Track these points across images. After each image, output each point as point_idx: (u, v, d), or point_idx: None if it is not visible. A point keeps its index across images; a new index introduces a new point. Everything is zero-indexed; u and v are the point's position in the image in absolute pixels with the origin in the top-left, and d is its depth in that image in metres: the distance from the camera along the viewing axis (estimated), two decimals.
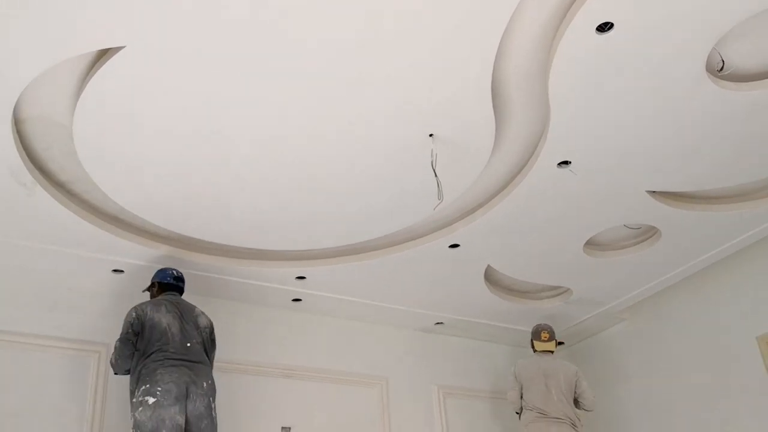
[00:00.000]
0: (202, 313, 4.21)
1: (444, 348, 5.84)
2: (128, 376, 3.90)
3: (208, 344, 4.12)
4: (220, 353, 4.58)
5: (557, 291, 5.49)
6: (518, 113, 3.50)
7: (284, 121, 3.34)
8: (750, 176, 4.09)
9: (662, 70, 3.19)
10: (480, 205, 4.23)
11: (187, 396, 3.74)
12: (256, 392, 4.77)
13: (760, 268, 4.78)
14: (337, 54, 2.96)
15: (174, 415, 3.65)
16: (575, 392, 5.00)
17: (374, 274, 4.81)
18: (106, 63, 2.90)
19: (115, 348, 3.89)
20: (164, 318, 3.96)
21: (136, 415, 3.62)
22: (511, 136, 3.66)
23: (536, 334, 5.26)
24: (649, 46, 3.05)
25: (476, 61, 3.06)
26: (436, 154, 3.58)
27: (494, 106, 3.37)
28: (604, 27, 2.91)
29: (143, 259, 4.32)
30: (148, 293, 4.32)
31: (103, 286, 4.50)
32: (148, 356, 3.82)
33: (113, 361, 3.90)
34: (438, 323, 5.69)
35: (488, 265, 4.89)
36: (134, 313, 3.96)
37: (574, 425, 4.83)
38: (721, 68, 3.32)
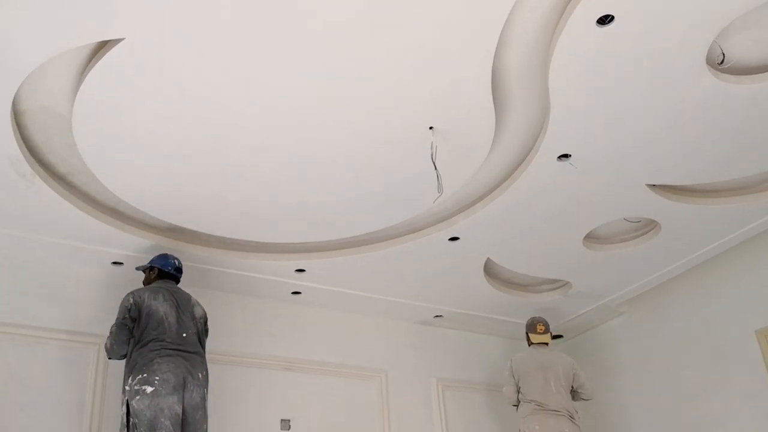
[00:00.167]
0: (198, 302, 4.21)
1: (443, 341, 5.85)
2: (122, 362, 3.90)
3: (203, 334, 4.13)
4: (220, 345, 4.62)
5: (556, 284, 5.50)
6: (518, 106, 3.50)
7: (283, 113, 3.33)
8: (750, 170, 4.09)
9: (663, 62, 3.19)
10: (480, 198, 4.23)
11: (184, 386, 3.75)
12: (255, 385, 4.78)
13: (759, 261, 4.78)
14: (335, 45, 2.96)
15: (172, 404, 3.66)
16: (574, 384, 5.02)
17: (374, 267, 4.82)
18: (106, 55, 2.90)
19: (111, 333, 3.86)
20: (161, 306, 3.95)
21: (134, 403, 3.62)
22: (511, 128, 3.65)
23: (531, 327, 5.26)
24: (649, 38, 3.04)
25: (476, 53, 3.05)
26: (436, 147, 3.58)
27: (494, 99, 3.36)
28: (605, 20, 2.90)
29: (143, 252, 4.32)
30: (143, 274, 4.29)
31: (102, 278, 4.51)
32: (145, 345, 3.81)
33: (108, 346, 3.86)
34: (437, 316, 5.70)
35: (488, 258, 4.89)
36: (131, 299, 3.94)
37: (571, 417, 4.84)
38: (722, 61, 3.32)
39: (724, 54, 3.29)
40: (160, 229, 4.27)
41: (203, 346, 4.08)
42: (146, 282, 4.22)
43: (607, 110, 3.47)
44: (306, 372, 5.03)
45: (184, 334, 3.95)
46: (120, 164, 3.61)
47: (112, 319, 3.99)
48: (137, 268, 4.28)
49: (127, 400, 3.66)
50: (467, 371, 5.82)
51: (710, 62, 3.28)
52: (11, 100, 3.10)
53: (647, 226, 4.75)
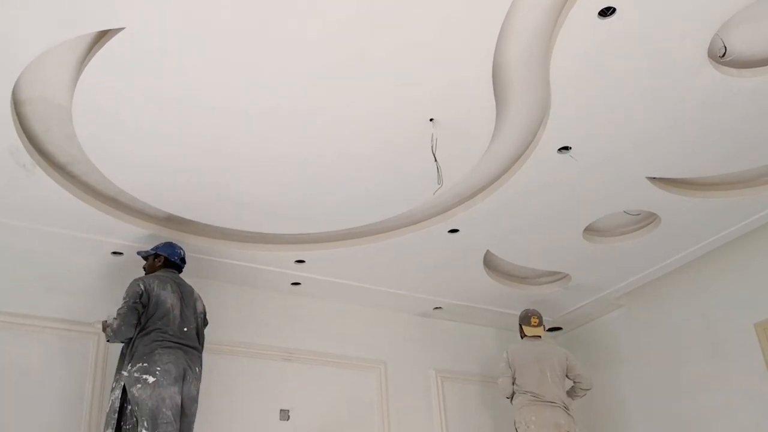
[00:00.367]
0: (199, 297, 4.23)
1: (442, 333, 5.86)
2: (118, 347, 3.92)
3: (201, 329, 4.15)
4: (220, 336, 4.66)
5: (556, 276, 5.50)
6: (519, 98, 3.49)
7: (284, 103, 3.33)
8: (750, 163, 4.09)
9: (664, 55, 3.18)
10: (480, 190, 4.23)
11: (183, 378, 3.78)
12: (255, 375, 4.79)
13: (758, 255, 4.78)
14: (337, 37, 2.95)
15: (174, 395, 3.69)
16: (570, 375, 5.04)
17: (374, 259, 4.82)
18: (106, 44, 2.89)
19: (120, 314, 3.82)
20: (169, 298, 3.97)
21: (134, 391, 3.63)
22: (512, 121, 3.65)
23: (525, 319, 5.28)
24: (651, 31, 3.04)
25: (477, 45, 3.05)
26: (437, 139, 3.58)
27: (495, 91, 3.36)
28: (607, 12, 2.90)
29: (142, 241, 4.32)
30: (143, 260, 4.28)
31: (101, 267, 4.51)
32: (148, 333, 3.82)
33: (115, 327, 3.79)
34: (437, 308, 5.70)
35: (487, 251, 4.89)
36: (142, 285, 3.94)
37: (567, 408, 4.88)
38: (724, 54, 3.31)
39: (725, 47, 3.28)
40: (160, 219, 4.27)
41: (201, 342, 4.10)
42: (150, 269, 4.21)
43: (608, 102, 3.47)
44: (305, 363, 5.04)
45: (186, 329, 3.96)
46: (120, 154, 3.60)
47: (112, 309, 4.00)
48: (139, 253, 4.27)
49: (125, 386, 3.66)
50: (466, 363, 5.83)
51: (712, 55, 3.27)
52: (11, 90, 3.09)
53: (647, 219, 4.75)
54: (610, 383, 5.79)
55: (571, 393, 5.05)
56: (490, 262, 5.21)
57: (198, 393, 3.91)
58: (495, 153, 3.89)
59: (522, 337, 5.27)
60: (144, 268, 4.26)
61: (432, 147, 3.59)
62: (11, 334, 4.07)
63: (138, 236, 4.27)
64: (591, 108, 3.50)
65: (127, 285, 4.00)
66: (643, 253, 5.01)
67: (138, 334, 3.83)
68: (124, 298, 3.90)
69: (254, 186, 3.95)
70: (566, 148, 3.79)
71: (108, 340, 3.90)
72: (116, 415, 3.62)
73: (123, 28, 2.81)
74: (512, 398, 5.02)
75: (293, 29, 2.89)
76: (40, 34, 2.80)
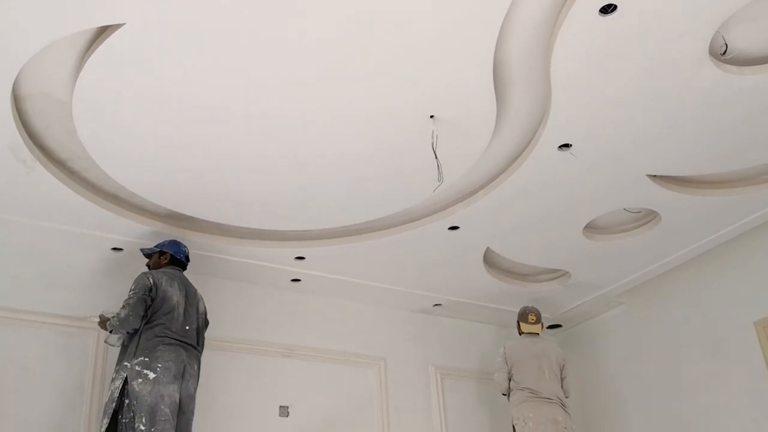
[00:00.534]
0: (202, 297, 4.25)
1: (442, 329, 5.86)
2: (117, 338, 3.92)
3: (202, 330, 4.16)
4: (220, 332, 4.67)
5: (556, 274, 5.50)
6: (520, 95, 3.49)
7: (284, 99, 3.33)
8: (751, 161, 4.08)
9: (665, 53, 3.18)
10: (480, 188, 4.23)
11: (183, 376, 3.79)
12: (254, 371, 4.79)
13: (759, 253, 4.78)
14: (335, 33, 2.94)
15: (172, 393, 3.70)
16: (561, 376, 5.07)
17: (374, 256, 4.82)
18: (106, 40, 2.89)
19: (128, 304, 3.81)
20: (175, 295, 3.98)
21: (135, 385, 3.63)
22: (512, 118, 3.65)
23: (523, 317, 5.30)
24: (652, 28, 3.03)
25: (478, 42, 3.04)
26: (437, 136, 3.57)
27: (495, 88, 3.35)
28: (608, 9, 2.89)
29: (142, 238, 4.32)
30: (147, 257, 4.27)
31: (101, 263, 4.51)
32: (152, 328, 3.83)
33: (123, 316, 3.77)
34: (436, 305, 5.70)
35: (487, 248, 4.89)
36: (151, 279, 3.95)
37: (563, 405, 4.91)
38: (725, 52, 3.30)
39: (727, 44, 3.28)
40: (160, 215, 4.27)
41: (201, 342, 4.11)
42: (155, 267, 4.20)
43: (609, 100, 3.47)
44: (305, 359, 5.04)
45: (188, 327, 3.98)
46: (120, 150, 3.60)
47: (112, 305, 4.00)
48: (143, 251, 4.26)
49: (127, 378, 3.66)
50: (465, 360, 5.84)
51: (713, 53, 3.27)
52: (11, 86, 3.09)
53: (647, 217, 4.75)
54: (609, 381, 5.79)
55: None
56: (490, 260, 5.21)
57: (196, 391, 3.93)
58: (495, 150, 3.89)
59: (519, 334, 5.29)
60: (147, 265, 4.26)
61: (432, 144, 3.59)
62: (11, 329, 4.07)
63: (138, 232, 4.27)
64: (591, 105, 3.49)
65: (128, 281, 4.00)
66: (643, 250, 5.01)
67: (143, 327, 3.83)
68: (132, 289, 3.90)
69: (254, 182, 3.95)
70: (566, 146, 3.79)
71: (111, 331, 3.85)
72: (114, 405, 3.62)
73: (123, 24, 2.81)
74: (509, 394, 5.03)
75: (293, 28, 2.89)
76: (41, 30, 2.80)
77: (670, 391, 5.23)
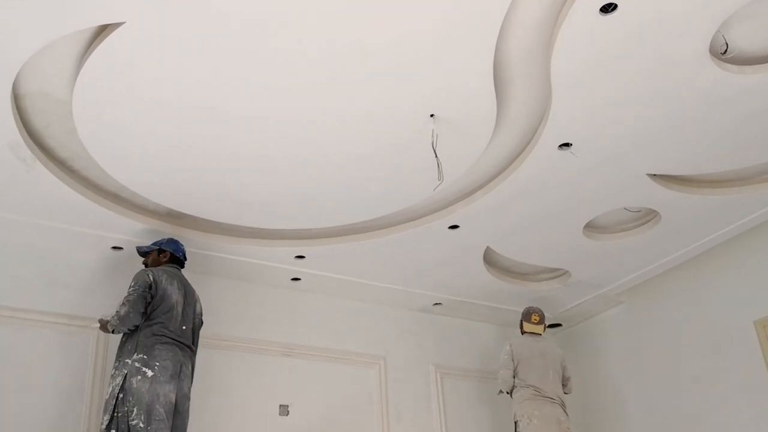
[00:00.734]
0: (199, 298, 4.23)
1: (442, 328, 5.87)
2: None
3: (198, 330, 4.15)
4: (220, 331, 4.69)
5: (556, 273, 5.50)
6: (520, 94, 3.49)
7: (284, 99, 3.32)
8: (751, 160, 4.08)
9: (665, 52, 3.18)
10: (480, 187, 4.23)
11: (179, 376, 3.79)
12: (254, 370, 4.80)
13: (758, 252, 4.78)
14: (335, 29, 2.94)
15: (168, 392, 3.70)
16: (564, 375, 5.13)
17: (374, 254, 4.82)
18: (106, 39, 2.88)
19: (128, 301, 3.80)
20: (175, 294, 3.98)
21: (134, 382, 3.63)
22: (513, 117, 3.64)
23: (527, 316, 5.32)
24: (652, 27, 3.03)
25: (478, 41, 3.04)
26: (437, 135, 3.57)
27: (496, 87, 3.35)
28: (608, 8, 2.89)
29: (142, 237, 4.32)
30: (143, 256, 4.25)
31: (102, 262, 4.51)
32: (151, 326, 3.83)
33: (123, 313, 3.77)
34: (436, 304, 5.70)
35: (487, 247, 4.89)
36: (151, 276, 3.94)
37: (564, 406, 4.95)
38: (725, 51, 3.30)
39: (727, 44, 3.28)
40: (160, 214, 4.27)
41: (195, 342, 4.10)
42: (154, 264, 4.18)
43: (609, 99, 3.46)
44: (305, 358, 5.04)
45: (184, 327, 3.98)
46: (120, 150, 3.60)
47: (112, 304, 4.00)
48: (140, 249, 4.25)
49: (127, 374, 3.66)
50: (465, 359, 5.84)
51: (713, 52, 3.27)
52: (11, 84, 3.09)
53: (647, 216, 4.75)
54: (609, 380, 5.79)
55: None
56: (490, 259, 5.21)
57: (190, 391, 3.92)
58: (495, 149, 3.89)
59: (522, 333, 5.30)
60: (145, 264, 4.24)
61: (432, 143, 3.59)
62: (12, 328, 4.07)
63: (138, 231, 4.27)
64: (592, 104, 3.49)
65: (129, 280, 3.99)
66: (644, 250, 5.01)
67: (143, 324, 3.83)
68: (132, 286, 3.89)
69: (254, 182, 3.95)
70: (567, 145, 3.79)
71: (112, 331, 3.85)
72: (114, 401, 3.61)
73: (123, 23, 2.81)
74: (511, 392, 5.03)
75: (294, 26, 2.88)
76: (41, 29, 2.79)
77: (669, 390, 5.23)
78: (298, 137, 3.60)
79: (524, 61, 3.27)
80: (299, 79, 3.20)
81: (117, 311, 3.82)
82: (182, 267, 4.27)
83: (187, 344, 3.97)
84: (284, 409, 4.80)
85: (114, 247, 4.42)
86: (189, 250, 4.46)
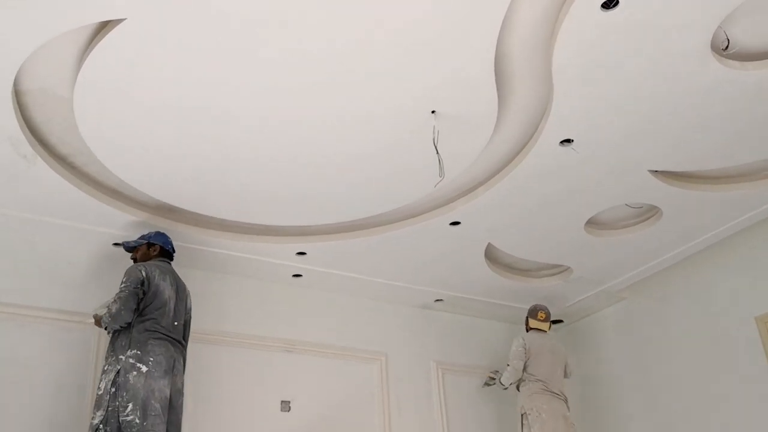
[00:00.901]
0: (189, 293, 4.22)
1: (443, 325, 5.87)
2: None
3: (189, 325, 4.14)
4: (221, 327, 4.72)
5: (557, 269, 5.50)
6: (521, 90, 3.48)
7: (284, 95, 3.32)
8: (752, 156, 4.08)
9: (667, 48, 3.17)
10: (481, 183, 4.22)
11: (172, 371, 3.80)
12: (256, 366, 4.80)
13: (760, 248, 4.78)
14: (336, 27, 2.94)
15: (163, 387, 3.70)
16: (566, 372, 5.23)
17: (375, 251, 4.82)
18: (107, 35, 2.88)
19: (120, 298, 3.78)
20: (167, 290, 3.97)
21: (130, 378, 3.62)
22: (514, 113, 3.64)
23: (533, 313, 5.35)
24: (653, 23, 3.02)
25: (479, 37, 3.04)
26: (438, 131, 3.57)
27: (497, 83, 3.35)
28: (609, 4, 2.88)
29: (143, 233, 4.31)
30: (131, 251, 4.21)
31: (103, 259, 4.51)
32: (143, 321, 3.81)
33: (114, 311, 3.75)
34: (438, 300, 5.71)
35: (489, 243, 4.89)
36: (143, 272, 3.91)
37: (567, 402, 5.02)
38: (727, 47, 3.30)
39: (729, 40, 3.27)
40: (161, 210, 4.27)
41: (186, 338, 4.09)
42: (143, 258, 4.14)
43: (610, 95, 3.46)
44: (306, 354, 5.05)
45: (176, 323, 3.97)
46: (121, 146, 3.60)
47: (105, 302, 3.99)
48: (128, 243, 4.19)
49: (120, 370, 3.65)
50: (467, 355, 5.84)
51: (715, 48, 3.26)
52: (12, 81, 3.09)
53: (649, 212, 4.75)
54: (610, 376, 5.79)
55: None
56: (491, 255, 5.21)
57: (183, 386, 3.92)
58: (496, 145, 3.88)
59: (527, 330, 5.32)
60: (134, 259, 4.19)
61: (434, 139, 3.59)
62: (12, 324, 4.07)
63: (139, 227, 4.27)
64: (593, 100, 3.49)
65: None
66: (645, 246, 5.01)
67: (135, 320, 3.81)
68: (124, 282, 3.87)
69: (256, 178, 3.95)
70: (568, 141, 3.78)
71: (105, 328, 3.85)
72: (108, 398, 3.60)
73: (124, 19, 2.80)
74: (518, 385, 5.09)
75: (294, 24, 2.88)
76: (42, 25, 2.79)
77: (671, 386, 5.24)
78: (299, 135, 3.60)
79: (526, 57, 3.27)
80: (299, 77, 3.19)
81: (108, 309, 3.80)
82: (171, 260, 4.24)
83: (179, 339, 3.95)
84: (286, 405, 4.80)
85: (115, 244, 4.42)
86: (189, 246, 4.47)
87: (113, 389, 3.62)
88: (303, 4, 2.80)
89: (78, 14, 2.76)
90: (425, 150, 3.67)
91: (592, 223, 4.78)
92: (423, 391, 5.46)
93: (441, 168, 3.72)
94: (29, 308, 4.14)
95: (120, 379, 3.62)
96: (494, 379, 5.44)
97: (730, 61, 3.33)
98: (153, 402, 3.62)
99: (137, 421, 3.54)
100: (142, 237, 4.19)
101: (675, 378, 5.21)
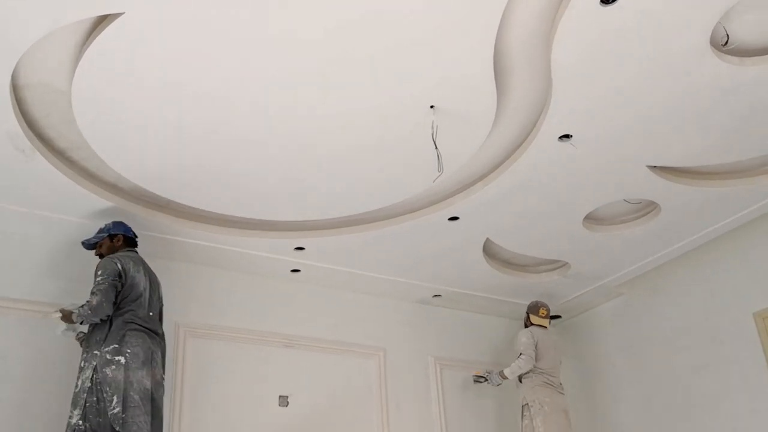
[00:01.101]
0: (160, 282, 4.18)
1: (441, 320, 5.88)
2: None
3: (162, 316, 4.10)
4: (220, 321, 4.72)
5: (555, 265, 5.51)
6: (520, 86, 3.48)
7: (284, 91, 3.32)
8: (751, 152, 4.08)
9: (666, 43, 3.17)
10: (480, 178, 4.23)
11: (150, 363, 3.78)
12: (254, 361, 4.80)
13: (758, 244, 4.78)
14: (336, 22, 2.93)
15: (141, 378, 3.68)
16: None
17: (373, 246, 4.82)
18: (105, 29, 2.88)
19: (100, 291, 3.72)
20: (142, 281, 3.94)
21: (108, 372, 3.59)
22: (513, 109, 3.64)
23: (534, 309, 5.40)
24: (653, 19, 3.02)
25: (478, 32, 3.03)
26: (437, 126, 3.57)
27: (496, 79, 3.34)
28: None
29: (141, 228, 4.31)
30: (93, 247, 4.13)
31: None
32: (121, 315, 3.78)
33: (95, 303, 3.68)
34: (436, 296, 5.71)
35: (487, 239, 4.90)
36: (119, 264, 3.86)
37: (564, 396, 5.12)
38: (726, 42, 3.30)
39: (728, 35, 3.27)
40: (159, 205, 4.27)
41: (161, 328, 4.05)
42: (110, 251, 4.06)
43: (609, 91, 3.46)
44: (305, 349, 5.05)
45: (151, 313, 3.95)
46: (120, 140, 3.59)
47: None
48: (88, 241, 4.11)
49: (96, 366, 3.61)
50: (465, 350, 5.85)
51: (714, 43, 3.26)
52: (10, 75, 3.08)
53: (647, 208, 4.75)
54: (608, 371, 5.81)
55: None
56: (489, 250, 5.21)
57: (163, 378, 3.89)
58: (495, 141, 3.88)
59: (527, 326, 5.36)
60: (99, 254, 4.11)
61: (432, 134, 3.59)
62: (11, 319, 4.06)
63: (138, 223, 4.26)
64: (592, 96, 3.49)
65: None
66: (643, 241, 5.02)
67: (114, 313, 3.78)
68: (100, 275, 3.80)
69: (254, 173, 3.95)
70: (567, 137, 3.78)
71: (81, 322, 3.75)
72: (85, 395, 3.57)
73: (122, 13, 2.80)
74: (520, 377, 5.15)
75: (294, 20, 2.88)
76: (40, 19, 2.78)
77: (669, 381, 5.25)
78: (298, 129, 3.59)
79: (525, 52, 3.26)
80: (299, 72, 3.19)
81: (88, 301, 3.73)
82: (136, 247, 4.17)
83: (155, 330, 3.92)
84: (284, 400, 4.81)
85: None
86: (188, 242, 4.47)
87: (90, 385, 3.58)
88: (303, 4, 2.80)
89: (76, 8, 2.75)
90: (424, 145, 3.67)
91: (590, 219, 4.78)
92: (421, 386, 5.47)
93: (440, 163, 3.72)
94: (27, 302, 4.11)
95: (98, 376, 3.59)
96: (483, 377, 5.43)
97: (730, 57, 3.33)
98: (132, 393, 3.60)
99: (122, 414, 3.53)
100: (101, 231, 4.10)
101: (673, 373, 5.22)
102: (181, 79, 3.20)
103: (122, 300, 3.82)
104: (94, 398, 3.56)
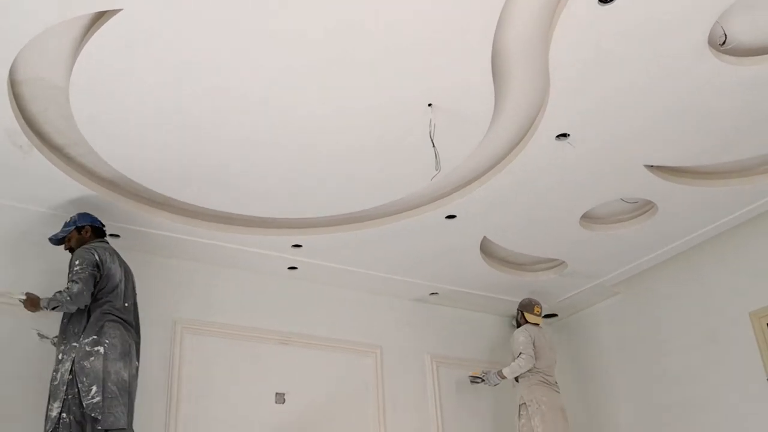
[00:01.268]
0: (133, 272, 4.14)
1: (438, 318, 5.88)
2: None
3: (137, 308, 4.06)
4: (217, 319, 4.71)
5: (552, 263, 5.51)
6: (518, 84, 3.48)
7: (283, 89, 3.32)
8: (748, 152, 4.09)
9: (664, 43, 3.17)
10: (477, 177, 4.23)
11: (128, 354, 3.78)
12: (251, 358, 4.80)
13: (754, 244, 4.79)
14: (336, 22, 2.93)
15: (119, 370, 3.68)
16: None
17: (370, 244, 4.82)
18: (104, 25, 2.87)
19: (80, 279, 3.67)
20: (118, 272, 3.92)
21: (86, 364, 3.58)
22: (510, 107, 3.64)
23: (529, 307, 5.41)
24: (651, 18, 3.02)
25: (477, 31, 3.03)
26: (435, 125, 3.57)
27: (494, 77, 3.34)
28: None
29: (139, 224, 4.32)
30: (61, 242, 4.05)
31: None
32: (99, 306, 3.77)
33: (76, 291, 3.63)
34: (433, 293, 5.71)
35: (484, 237, 4.90)
36: (96, 255, 3.83)
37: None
38: (723, 42, 3.30)
39: (726, 35, 3.27)
40: (156, 202, 4.27)
41: (137, 321, 4.02)
42: (80, 243, 3.99)
43: (607, 90, 3.46)
44: (301, 346, 5.05)
45: (126, 304, 3.93)
46: (117, 136, 3.59)
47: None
48: (55, 236, 4.02)
49: (75, 358, 3.60)
50: (461, 348, 5.85)
51: (712, 43, 3.26)
52: (8, 70, 3.07)
53: (644, 207, 4.76)
54: (604, 370, 5.82)
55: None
56: (486, 249, 5.22)
57: (138, 371, 3.88)
58: (493, 139, 3.88)
59: (519, 324, 5.35)
60: (69, 249, 4.04)
61: (430, 133, 3.59)
62: (10, 316, 4.04)
63: (135, 219, 4.26)
64: (589, 95, 3.49)
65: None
66: (640, 241, 5.02)
67: (91, 304, 3.76)
68: (78, 265, 3.76)
69: (252, 171, 3.95)
70: (564, 135, 3.78)
71: (57, 308, 3.64)
72: (65, 387, 3.55)
73: (120, 9, 2.79)
74: (517, 376, 5.16)
75: (294, 18, 2.88)
76: (38, 15, 2.78)
77: (664, 380, 5.26)
78: (296, 127, 3.59)
79: (522, 52, 3.27)
80: (298, 69, 3.19)
81: (68, 288, 3.67)
82: (105, 237, 4.13)
83: (131, 323, 3.91)
84: (280, 397, 4.81)
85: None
86: (185, 238, 4.46)
87: (71, 377, 3.57)
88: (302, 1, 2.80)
89: (74, 4, 2.75)
90: (421, 143, 3.67)
91: (587, 218, 4.79)
92: (418, 384, 5.48)
93: (437, 161, 3.72)
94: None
95: (76, 367, 3.58)
96: (480, 378, 5.43)
97: (727, 57, 3.34)
98: (109, 384, 3.59)
99: (96, 400, 3.52)
100: (67, 224, 4.03)
101: (668, 373, 5.23)
102: (179, 76, 3.19)
103: (99, 291, 3.80)
104: (75, 390, 3.55)
